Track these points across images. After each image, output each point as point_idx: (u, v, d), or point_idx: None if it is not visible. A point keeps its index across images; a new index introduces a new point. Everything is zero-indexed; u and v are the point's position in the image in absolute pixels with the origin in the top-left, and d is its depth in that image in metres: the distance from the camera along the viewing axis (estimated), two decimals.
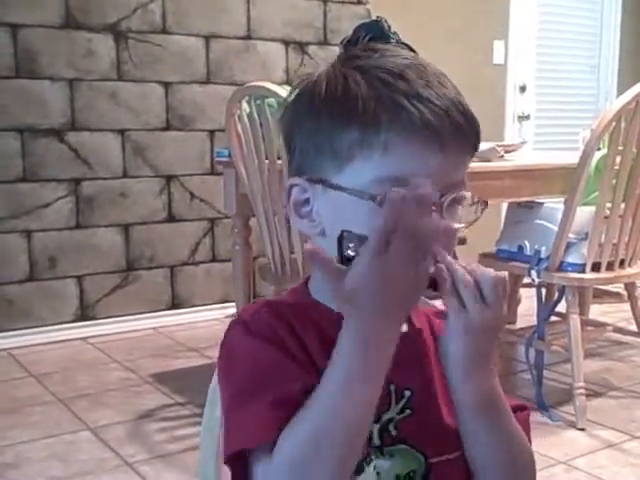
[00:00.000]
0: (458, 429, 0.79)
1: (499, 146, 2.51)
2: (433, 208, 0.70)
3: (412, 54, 0.79)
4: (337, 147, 0.75)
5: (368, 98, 0.73)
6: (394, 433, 0.78)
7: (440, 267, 0.71)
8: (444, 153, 0.73)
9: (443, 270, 0.71)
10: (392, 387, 0.78)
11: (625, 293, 2.78)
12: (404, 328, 0.79)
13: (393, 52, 0.78)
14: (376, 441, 0.77)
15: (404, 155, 0.73)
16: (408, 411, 0.79)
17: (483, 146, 2.44)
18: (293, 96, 0.81)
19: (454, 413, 0.79)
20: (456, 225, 0.76)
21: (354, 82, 0.75)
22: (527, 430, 0.85)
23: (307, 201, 0.79)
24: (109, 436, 2.37)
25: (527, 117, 4.82)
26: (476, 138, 0.77)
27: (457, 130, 0.74)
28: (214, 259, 3.81)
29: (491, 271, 0.73)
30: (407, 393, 0.79)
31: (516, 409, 0.85)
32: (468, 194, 0.77)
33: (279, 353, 0.74)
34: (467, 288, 0.71)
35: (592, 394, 2.67)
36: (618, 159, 2.35)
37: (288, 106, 0.81)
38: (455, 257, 0.74)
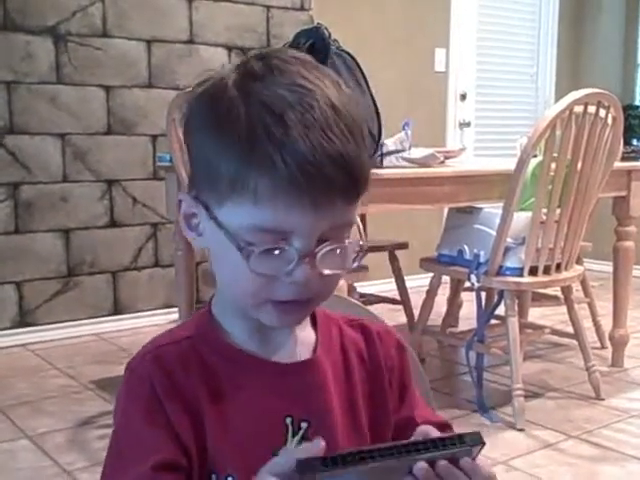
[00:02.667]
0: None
1: (439, 152, 2.55)
2: (307, 259, 0.71)
3: (309, 82, 0.72)
4: (215, 180, 0.72)
5: (243, 137, 0.70)
6: None
7: None
8: (316, 210, 0.70)
9: None
10: (289, 420, 0.77)
11: (562, 296, 2.85)
12: (304, 355, 0.81)
13: (289, 77, 0.72)
14: None
15: (274, 208, 0.70)
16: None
17: (423, 152, 2.48)
18: (194, 97, 0.77)
19: (356, 441, 0.80)
20: (329, 272, 0.73)
21: (237, 110, 0.71)
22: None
23: (195, 215, 0.78)
24: (48, 444, 2.33)
25: (467, 124, 4.90)
26: (356, 190, 0.73)
27: (331, 187, 0.70)
28: (157, 264, 3.77)
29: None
30: (304, 425, 0.78)
31: (440, 427, 0.84)
32: (345, 243, 0.75)
33: (146, 421, 0.73)
34: None
35: (531, 395, 2.73)
36: (553, 166, 2.41)
37: (188, 108, 0.78)
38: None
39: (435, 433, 0.71)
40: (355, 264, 0.76)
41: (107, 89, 3.56)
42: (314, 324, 0.84)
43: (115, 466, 0.75)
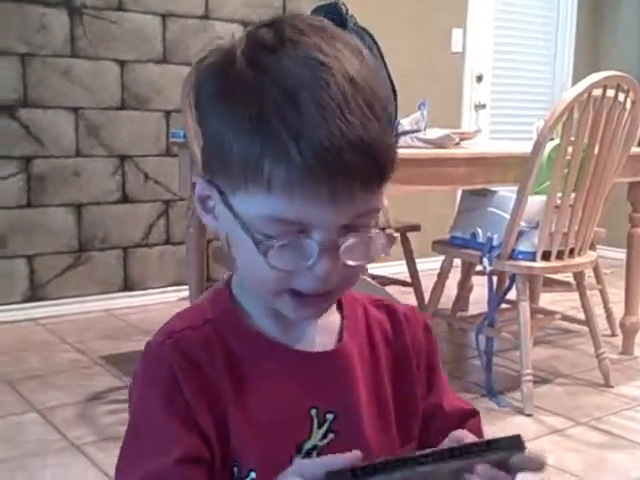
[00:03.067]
0: (383, 441, 0.77)
1: (454, 133, 2.53)
2: (327, 253, 0.66)
3: (325, 55, 0.66)
4: (228, 164, 0.67)
5: (255, 118, 0.64)
6: None
7: None
8: (335, 201, 0.65)
9: None
10: (314, 412, 0.74)
11: (574, 282, 2.83)
12: (330, 342, 0.77)
13: (303, 49, 0.66)
14: None
15: (289, 200, 0.65)
16: (331, 435, 0.74)
17: (439, 132, 2.46)
18: (202, 70, 0.72)
19: (383, 431, 0.77)
20: (353, 263, 0.69)
21: (247, 87, 0.66)
22: (480, 434, 0.81)
23: (210, 197, 0.73)
24: (57, 418, 2.34)
25: (483, 106, 4.86)
26: (380, 176, 0.67)
27: (352, 175, 0.64)
28: (168, 241, 3.77)
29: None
30: (329, 416, 0.75)
31: (469, 416, 0.84)
32: (371, 233, 0.69)
33: (165, 407, 0.70)
34: None
35: (540, 381, 2.72)
36: (570, 149, 2.39)
37: (196, 87, 0.72)
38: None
39: (470, 438, 0.67)
40: (382, 254, 0.72)
41: (121, 63, 3.54)
42: (339, 307, 0.80)
43: (134, 453, 0.72)
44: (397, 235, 0.73)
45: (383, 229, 0.71)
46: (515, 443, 0.63)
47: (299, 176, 0.64)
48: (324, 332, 0.78)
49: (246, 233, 0.68)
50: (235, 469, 0.72)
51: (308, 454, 0.73)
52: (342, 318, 0.80)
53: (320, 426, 0.74)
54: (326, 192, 0.64)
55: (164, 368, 0.71)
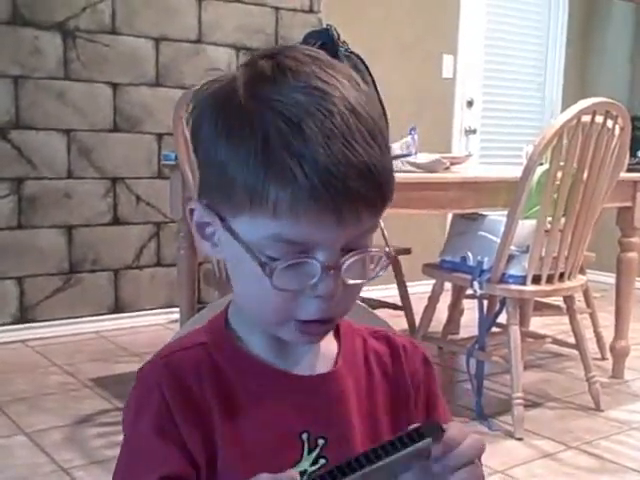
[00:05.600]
0: None
1: (445, 158, 2.54)
2: (331, 271, 0.67)
3: (325, 83, 0.68)
4: (231, 191, 0.68)
5: (259, 148, 0.65)
6: None
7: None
8: (340, 224, 0.66)
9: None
10: (305, 436, 0.74)
11: (564, 306, 2.84)
12: (325, 368, 0.77)
13: (303, 79, 0.67)
14: None
15: (295, 222, 0.66)
16: (322, 461, 0.74)
17: (429, 157, 2.48)
18: (202, 99, 0.72)
19: None
20: (353, 282, 0.70)
21: (250, 117, 0.66)
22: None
23: (209, 224, 0.73)
24: (45, 441, 2.32)
25: (473, 131, 4.89)
26: (383, 200, 0.69)
27: (357, 199, 0.66)
28: (159, 263, 3.77)
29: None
30: (321, 442, 0.74)
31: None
32: (372, 252, 0.71)
33: (154, 431, 0.70)
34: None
35: (530, 404, 2.72)
36: (559, 174, 2.40)
37: (195, 116, 0.73)
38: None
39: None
40: (381, 273, 0.73)
41: (114, 86, 3.56)
42: (337, 335, 0.80)
43: (123, 475, 0.72)
44: (394, 254, 0.74)
45: (383, 248, 0.73)
46: (435, 430, 0.63)
47: (305, 199, 0.65)
48: (320, 358, 0.78)
49: (251, 256, 0.68)
50: None
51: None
52: (339, 346, 0.80)
53: (311, 451, 0.74)
54: (332, 216, 0.66)
55: (155, 392, 0.71)
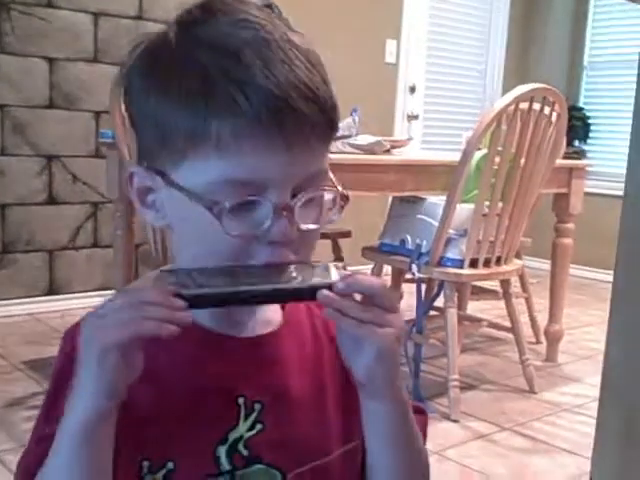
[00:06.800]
0: (317, 435, 0.75)
1: (385, 140, 2.54)
2: (284, 213, 0.65)
3: (260, 19, 0.67)
4: (169, 139, 0.66)
5: (197, 83, 0.64)
6: (245, 453, 0.72)
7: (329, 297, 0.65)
8: (290, 151, 0.64)
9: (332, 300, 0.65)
10: (241, 400, 0.72)
11: (501, 290, 2.88)
12: (258, 330, 0.75)
13: (236, 16, 0.67)
14: (226, 466, 0.71)
15: (241, 155, 0.64)
16: (259, 426, 0.72)
17: (370, 139, 2.47)
18: (133, 59, 0.71)
19: (317, 424, 0.76)
20: (306, 227, 0.68)
21: (184, 58, 0.66)
22: (424, 434, 0.81)
23: (151, 189, 0.71)
24: None
25: (416, 117, 4.92)
26: (329, 125, 0.67)
27: (303, 122, 0.64)
28: (96, 244, 3.69)
29: (370, 280, 0.68)
30: (257, 406, 0.73)
31: (416, 411, 0.83)
32: (326, 192, 0.70)
33: (62, 391, 0.68)
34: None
35: (466, 387, 2.75)
36: (497, 159, 2.43)
37: (126, 72, 0.71)
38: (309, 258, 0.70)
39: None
40: (335, 216, 0.71)
41: (50, 61, 3.46)
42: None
43: (34, 431, 0.72)
44: (348, 194, 0.72)
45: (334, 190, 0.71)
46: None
47: (249, 126, 0.63)
48: (263, 324, 0.76)
49: (197, 201, 0.65)
50: (145, 463, 0.70)
51: (234, 444, 0.72)
52: (283, 313, 0.78)
53: (247, 416, 0.72)
54: (280, 141, 0.64)
55: (71, 352, 0.69)
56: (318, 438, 0.76)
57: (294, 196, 0.66)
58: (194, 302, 0.63)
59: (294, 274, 0.66)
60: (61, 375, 0.71)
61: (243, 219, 0.65)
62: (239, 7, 0.68)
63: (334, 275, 0.67)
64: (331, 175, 0.71)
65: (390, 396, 0.71)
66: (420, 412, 0.83)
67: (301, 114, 0.64)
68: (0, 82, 3.34)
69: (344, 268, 0.69)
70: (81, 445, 0.63)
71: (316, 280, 0.66)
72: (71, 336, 0.73)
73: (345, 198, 0.71)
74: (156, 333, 0.60)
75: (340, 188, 0.71)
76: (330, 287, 0.65)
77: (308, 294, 0.66)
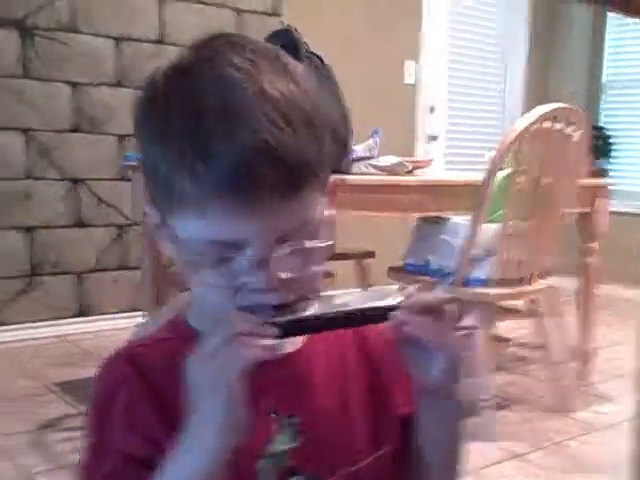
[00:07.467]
0: (346, 443, 0.78)
1: (407, 161, 2.55)
2: (261, 267, 0.67)
3: (238, 69, 0.67)
4: (155, 188, 0.69)
5: (175, 141, 0.66)
6: (283, 465, 0.75)
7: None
8: (255, 214, 0.65)
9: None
10: (275, 416, 0.75)
11: (528, 310, 2.86)
12: (286, 349, 0.76)
13: (217, 67, 0.67)
14: (267, 479, 0.74)
15: (215, 219, 0.65)
16: (294, 439, 0.75)
17: (391, 160, 2.48)
18: (137, 99, 0.73)
19: (346, 437, 0.78)
20: (287, 276, 0.69)
21: (164, 114, 0.67)
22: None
23: (162, 225, 0.73)
24: (9, 446, 2.27)
25: (435, 138, 4.92)
26: (294, 183, 0.66)
27: (265, 185, 0.64)
28: (123, 266, 3.72)
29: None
30: (291, 421, 0.75)
31: None
32: (304, 244, 0.69)
33: (124, 427, 0.71)
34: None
35: (497, 406, 2.72)
36: (520, 179, 2.43)
37: (135, 106, 0.73)
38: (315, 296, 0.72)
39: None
40: (320, 267, 0.72)
41: (74, 85, 3.50)
42: None
43: (89, 465, 0.73)
44: (333, 243, 0.73)
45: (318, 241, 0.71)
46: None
47: (211, 192, 0.64)
48: (290, 344, 0.77)
49: (181, 254, 0.70)
50: None
51: (273, 458, 0.74)
52: None
53: (282, 431, 0.75)
54: (242, 206, 0.64)
55: (121, 385, 0.72)
56: (348, 446, 0.78)
57: (283, 243, 0.68)
58: (287, 329, 0.67)
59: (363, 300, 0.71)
60: (104, 406, 0.73)
61: (224, 271, 0.68)
62: (227, 56, 0.68)
63: (396, 296, 0.71)
64: (330, 221, 0.73)
65: (457, 394, 0.74)
66: None
67: (261, 179, 0.64)
68: (25, 106, 3.39)
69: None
70: None
71: (389, 300, 0.71)
72: (108, 370, 0.75)
73: (330, 248, 0.72)
74: (259, 359, 0.65)
75: (324, 242, 0.71)
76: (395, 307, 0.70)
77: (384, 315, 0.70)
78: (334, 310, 0.69)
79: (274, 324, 0.66)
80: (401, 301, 0.70)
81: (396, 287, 0.76)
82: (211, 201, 0.64)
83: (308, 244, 0.69)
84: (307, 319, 0.68)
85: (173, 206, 0.68)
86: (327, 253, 0.72)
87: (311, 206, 0.69)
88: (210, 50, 0.69)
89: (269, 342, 0.65)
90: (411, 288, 0.71)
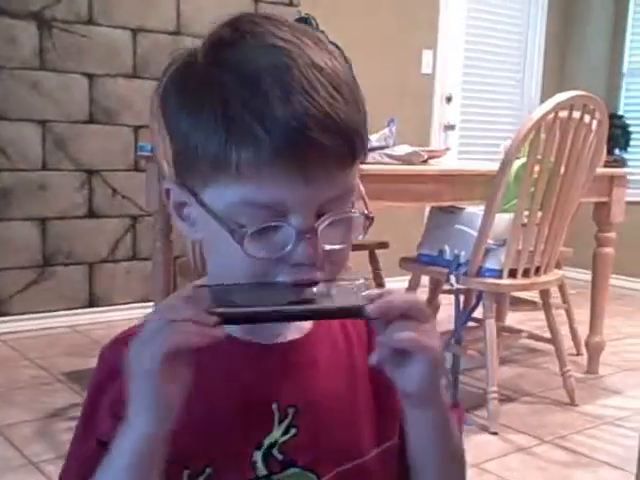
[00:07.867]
0: (350, 436, 0.76)
1: (423, 151, 2.53)
2: (307, 235, 0.66)
3: (284, 41, 0.67)
4: (197, 161, 0.67)
5: (220, 110, 0.65)
6: (280, 457, 0.73)
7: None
8: (307, 182, 0.64)
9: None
10: (274, 406, 0.73)
11: (540, 301, 2.84)
12: (289, 336, 0.75)
13: (261, 38, 0.67)
14: (262, 470, 0.73)
15: (260, 182, 0.64)
16: (293, 430, 0.73)
17: (407, 149, 2.46)
18: (166, 76, 0.72)
19: (350, 425, 0.76)
20: (332, 247, 0.68)
21: (210, 82, 0.66)
22: (460, 429, 0.82)
23: (186, 203, 0.72)
24: (15, 435, 2.29)
25: (452, 127, 4.89)
26: (351, 153, 0.67)
27: (322, 153, 0.64)
28: (135, 257, 3.73)
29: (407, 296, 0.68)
30: (291, 411, 0.73)
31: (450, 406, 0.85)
32: (351, 213, 0.69)
33: (109, 415, 0.71)
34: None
35: (505, 399, 2.71)
36: (537, 168, 2.40)
37: (161, 92, 0.72)
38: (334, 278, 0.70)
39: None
40: (361, 236, 0.71)
41: (90, 77, 3.51)
42: None
43: (73, 446, 0.74)
44: (373, 215, 0.72)
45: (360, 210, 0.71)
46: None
47: (268, 156, 0.63)
48: (295, 329, 0.76)
49: (221, 224, 0.66)
50: (186, 471, 0.71)
51: (269, 449, 0.73)
52: None
53: (281, 421, 0.73)
54: (297, 173, 0.64)
55: (116, 374, 0.70)
56: (351, 440, 0.76)
57: (320, 216, 0.67)
58: (227, 319, 0.64)
59: (327, 291, 0.67)
60: (97, 391, 0.74)
61: (266, 242, 0.66)
62: (269, 28, 0.68)
63: (364, 293, 0.67)
64: (361, 188, 0.72)
65: (436, 402, 0.72)
66: (455, 406, 0.84)
67: (319, 146, 0.64)
68: (42, 98, 3.40)
69: (378, 279, 0.70)
70: (133, 470, 0.64)
71: (352, 299, 0.67)
72: (108, 353, 0.75)
73: (370, 219, 0.71)
74: (188, 345, 0.62)
75: (366, 210, 0.71)
76: (362, 307, 0.66)
77: (341, 314, 0.68)
78: (289, 307, 0.65)
79: (214, 313, 0.63)
80: (364, 305, 0.65)
81: (362, 280, 0.73)
82: (266, 166, 0.63)
83: (352, 212, 0.69)
84: (252, 312, 0.65)
85: (210, 176, 0.66)
86: (367, 224, 0.71)
87: (354, 176, 0.69)
88: (250, 24, 0.68)
89: (206, 330, 0.62)
90: (375, 291, 0.67)
